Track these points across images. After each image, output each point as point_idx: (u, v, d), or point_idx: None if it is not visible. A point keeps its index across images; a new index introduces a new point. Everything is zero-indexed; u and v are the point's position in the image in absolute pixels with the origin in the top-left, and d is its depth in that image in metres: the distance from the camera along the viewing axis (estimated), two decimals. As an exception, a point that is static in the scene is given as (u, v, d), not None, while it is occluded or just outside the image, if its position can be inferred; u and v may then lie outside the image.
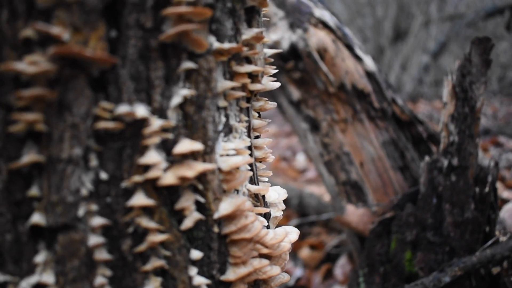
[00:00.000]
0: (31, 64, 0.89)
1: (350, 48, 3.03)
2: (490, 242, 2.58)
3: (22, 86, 0.93)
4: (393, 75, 9.87)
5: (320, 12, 3.04)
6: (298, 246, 4.30)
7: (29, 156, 0.94)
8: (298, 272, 4.16)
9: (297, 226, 4.55)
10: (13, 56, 0.92)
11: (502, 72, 9.31)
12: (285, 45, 2.97)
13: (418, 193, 2.80)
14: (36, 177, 0.97)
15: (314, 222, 4.64)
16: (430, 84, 9.75)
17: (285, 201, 4.30)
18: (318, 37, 2.94)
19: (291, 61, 3.02)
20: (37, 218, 0.97)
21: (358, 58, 3.03)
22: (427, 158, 2.72)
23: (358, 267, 2.91)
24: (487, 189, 2.62)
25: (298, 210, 4.80)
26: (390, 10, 10.63)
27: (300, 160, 6.62)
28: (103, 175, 0.99)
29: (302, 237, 4.65)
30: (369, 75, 3.01)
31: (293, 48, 2.96)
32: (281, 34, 3.00)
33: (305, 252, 4.37)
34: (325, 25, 2.99)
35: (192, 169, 1.02)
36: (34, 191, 0.97)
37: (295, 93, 3.10)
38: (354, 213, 2.94)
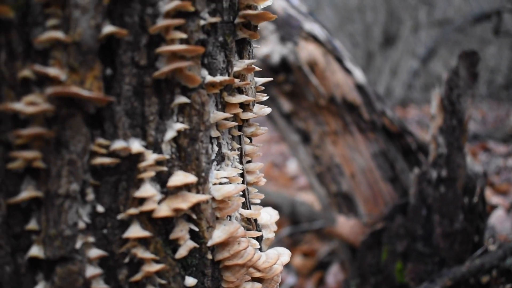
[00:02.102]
0: (29, 105, 0.92)
1: (340, 61, 3.07)
2: (479, 251, 2.62)
3: (21, 123, 0.96)
4: (383, 80, 9.95)
5: (310, 26, 3.08)
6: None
7: (28, 192, 0.97)
8: (291, 280, 4.19)
9: (289, 234, 4.59)
10: (12, 95, 0.95)
11: (490, 76, 9.40)
12: (275, 58, 3.01)
13: (408, 205, 2.85)
14: (35, 211, 1.00)
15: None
16: (420, 89, 9.83)
17: (277, 209, 4.33)
18: (308, 51, 2.98)
19: (282, 74, 3.05)
20: (35, 250, 1.00)
21: (348, 71, 3.07)
22: (416, 170, 2.76)
23: (350, 277, 2.95)
24: (475, 200, 2.67)
25: (290, 218, 4.83)
26: (379, 16, 10.71)
27: (292, 166, 6.65)
28: (100, 208, 1.02)
29: (294, 244, 4.68)
30: (359, 87, 3.06)
31: (283, 61, 3.00)
32: (271, 48, 3.04)
33: (297, 260, 4.40)
34: (315, 39, 3.03)
35: (186, 201, 1.05)
36: (32, 224, 0.99)
37: (286, 105, 3.13)
38: (345, 225, 2.97)
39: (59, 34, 0.92)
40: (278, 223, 4.83)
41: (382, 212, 2.99)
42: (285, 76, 3.05)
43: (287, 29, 3.05)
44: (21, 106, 0.92)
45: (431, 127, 2.80)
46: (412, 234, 2.74)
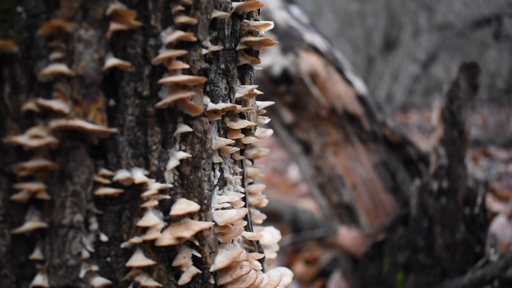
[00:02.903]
0: (33, 138, 0.93)
1: (341, 72, 3.08)
2: (480, 262, 2.63)
3: (25, 155, 0.97)
4: (384, 85, 9.96)
5: (311, 37, 3.09)
6: (292, 262, 4.33)
7: (32, 223, 0.98)
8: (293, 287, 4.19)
9: (292, 242, 4.59)
10: (16, 127, 0.96)
11: (490, 80, 9.41)
12: (277, 69, 3.02)
13: (409, 216, 2.85)
14: (39, 240, 1.01)
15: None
16: (420, 94, 9.83)
17: (279, 216, 4.31)
18: (309, 62, 2.99)
19: (283, 85, 3.06)
20: (40, 280, 1.01)
21: (348, 82, 3.08)
22: (417, 182, 2.77)
23: (352, 288, 2.95)
24: (476, 210, 2.68)
25: (292, 225, 4.83)
26: (380, 21, 10.72)
27: (293, 173, 6.65)
28: (103, 237, 1.03)
29: (296, 252, 4.68)
30: (360, 98, 3.06)
31: (285, 72, 3.01)
32: (273, 59, 3.05)
33: (299, 268, 4.40)
34: (316, 50, 3.04)
35: (189, 229, 1.06)
36: (37, 254, 1.00)
37: (287, 116, 3.14)
38: (347, 236, 2.98)
39: (62, 68, 0.93)
40: (280, 230, 4.82)
41: (383, 223, 3.00)
42: (286, 87, 3.06)
43: (288, 40, 3.06)
44: (25, 139, 0.93)
45: (432, 139, 2.81)
46: (413, 245, 2.75)
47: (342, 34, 10.57)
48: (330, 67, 3.08)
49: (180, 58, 1.05)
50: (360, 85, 3.12)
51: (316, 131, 3.12)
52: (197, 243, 1.13)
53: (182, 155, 1.07)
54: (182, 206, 1.07)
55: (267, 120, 1.35)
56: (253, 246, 1.37)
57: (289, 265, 4.38)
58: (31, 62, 0.95)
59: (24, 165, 0.94)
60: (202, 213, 1.13)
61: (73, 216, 0.98)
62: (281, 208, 4.84)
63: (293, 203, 5.32)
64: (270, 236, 1.51)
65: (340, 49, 3.33)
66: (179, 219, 1.09)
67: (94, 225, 1.02)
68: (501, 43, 9.00)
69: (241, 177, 1.27)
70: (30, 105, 0.94)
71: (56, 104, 0.93)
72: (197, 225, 1.08)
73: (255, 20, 1.26)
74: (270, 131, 1.38)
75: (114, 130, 0.97)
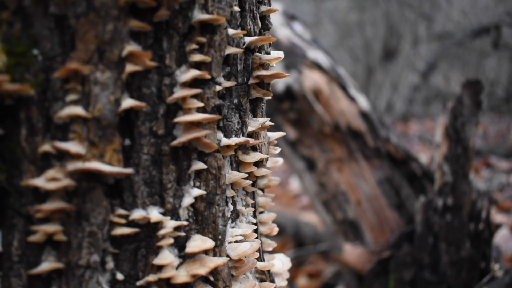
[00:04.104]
0: (50, 181, 0.93)
1: (344, 88, 3.09)
2: (486, 279, 2.63)
3: (41, 196, 0.97)
4: (384, 95, 9.98)
5: (314, 54, 3.10)
6: (295, 275, 4.32)
7: (49, 263, 0.98)
8: (296, 302, 4.18)
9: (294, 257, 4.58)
10: (32, 169, 0.96)
11: (490, 89, 9.44)
12: (280, 86, 3.03)
13: (414, 232, 2.85)
14: (55, 280, 1.01)
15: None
16: (421, 103, 9.86)
17: (281, 229, 4.29)
18: (312, 79, 3.00)
19: (287, 102, 3.07)
20: (55, 319, 1.00)
21: (352, 99, 3.09)
22: (422, 198, 2.77)
23: (357, 305, 2.95)
24: (481, 226, 2.68)
25: (294, 238, 4.82)
26: (379, 30, 10.76)
27: (294, 184, 6.64)
28: (119, 276, 1.03)
29: (298, 265, 4.67)
30: (363, 115, 3.07)
31: (288, 89, 3.02)
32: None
33: (302, 281, 4.39)
34: (319, 67, 3.05)
35: (204, 266, 1.06)
36: (52, 294, 1.00)
37: (291, 133, 3.15)
38: (352, 253, 2.98)
39: (79, 110, 0.93)
40: (283, 244, 4.82)
41: (388, 239, 3.00)
42: (290, 104, 3.07)
43: (291, 57, 3.07)
44: (42, 182, 0.93)
45: (436, 155, 2.81)
46: (419, 262, 2.75)
47: (342, 44, 10.61)
48: (333, 84, 3.09)
49: (195, 96, 1.05)
50: (363, 102, 3.13)
51: (320, 148, 3.12)
52: (211, 278, 1.13)
53: (197, 192, 1.07)
54: (197, 243, 1.07)
55: (278, 150, 1.36)
56: (265, 275, 1.37)
57: (292, 278, 4.37)
58: (47, 104, 0.95)
59: (41, 208, 0.94)
60: (216, 249, 1.13)
61: (90, 256, 0.98)
62: (283, 221, 4.83)
63: (296, 215, 5.31)
64: (280, 263, 1.51)
65: (339, 59, 3.35)
66: (193, 255, 1.09)
67: (110, 264, 1.02)
68: (500, 52, 9.03)
69: (253, 208, 1.28)
70: (46, 147, 0.95)
71: (73, 147, 0.93)
72: (212, 262, 1.08)
73: (267, 52, 1.26)
74: (281, 160, 1.39)
75: (130, 171, 0.97)
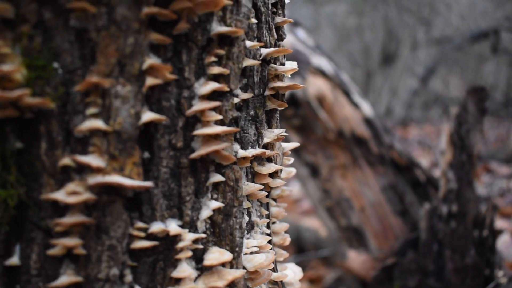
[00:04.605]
0: (71, 194, 0.93)
1: (348, 95, 3.09)
2: (490, 286, 2.63)
3: (60, 210, 0.96)
4: (383, 99, 10.00)
5: (318, 60, 3.10)
6: (297, 282, 4.30)
7: (67, 277, 0.97)
8: (298, 308, 4.16)
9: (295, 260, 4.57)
10: (52, 183, 0.96)
11: (489, 93, 9.45)
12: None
13: (419, 239, 2.85)
14: (73, 293, 1.00)
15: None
16: (420, 108, 9.87)
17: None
18: (316, 86, 3.00)
19: (291, 108, 3.07)
20: (73, 333, 1.00)
21: (355, 105, 3.09)
22: (427, 205, 2.77)
23: (361, 312, 2.95)
24: (485, 233, 2.68)
25: (295, 244, 4.82)
26: (378, 35, 10.78)
27: (295, 189, 6.64)
28: (137, 289, 1.02)
29: (300, 270, 4.65)
30: (367, 121, 3.07)
31: (292, 96, 3.02)
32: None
33: (303, 287, 4.38)
34: (322, 73, 3.05)
35: (222, 279, 1.06)
36: (71, 307, 1.00)
37: (295, 139, 3.15)
38: (356, 259, 2.98)
39: (99, 124, 0.93)
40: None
41: (392, 246, 3.00)
42: (293, 111, 3.07)
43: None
44: (62, 196, 0.93)
45: (441, 163, 2.81)
46: (423, 269, 2.75)
47: (340, 48, 10.64)
48: (337, 90, 3.09)
49: (213, 108, 1.05)
50: (367, 108, 3.13)
51: (324, 154, 3.12)
52: (228, 291, 1.13)
53: (215, 204, 1.07)
54: (215, 255, 1.07)
55: (291, 160, 1.36)
56: (277, 285, 1.37)
57: (293, 284, 4.34)
58: (67, 117, 0.95)
59: (61, 221, 0.94)
60: (233, 261, 1.12)
61: (109, 269, 0.98)
62: (284, 226, 4.81)
63: (296, 221, 5.31)
64: (292, 273, 1.50)
65: (338, 64, 3.35)
66: (211, 268, 1.09)
67: (128, 277, 1.01)
68: (499, 57, 9.06)
69: (268, 219, 1.27)
70: (66, 161, 0.94)
71: (93, 160, 0.93)
72: (230, 274, 1.07)
73: (281, 63, 1.26)
74: (294, 171, 1.39)
75: (150, 184, 0.97)
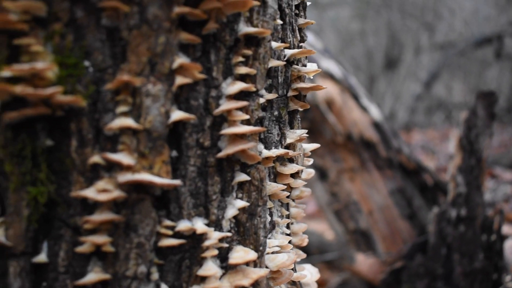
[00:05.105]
0: (101, 192, 0.93)
1: (356, 98, 3.10)
2: (499, 290, 2.63)
3: (89, 207, 0.97)
4: (387, 104, 10.02)
5: (326, 64, 3.11)
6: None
7: (95, 274, 0.98)
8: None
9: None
10: (81, 180, 0.96)
11: (498, 98, 9.45)
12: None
13: (427, 243, 2.86)
14: (99, 291, 1.01)
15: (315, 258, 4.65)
16: (423, 113, 9.89)
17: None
18: (325, 89, 3.01)
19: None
20: (100, 330, 1.00)
21: (364, 109, 3.10)
22: (435, 209, 2.78)
23: (369, 315, 2.95)
24: (493, 237, 2.69)
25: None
26: (381, 40, 10.81)
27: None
28: (164, 287, 1.03)
29: (304, 274, 4.64)
30: (376, 125, 3.08)
31: (301, 99, 3.02)
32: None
33: (308, 291, 4.37)
34: (331, 77, 3.06)
35: (247, 277, 1.06)
36: (97, 305, 1.00)
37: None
38: (364, 263, 2.98)
39: (130, 122, 0.94)
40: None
41: (400, 249, 3.00)
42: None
43: (304, 67, 3.08)
44: (93, 193, 0.93)
45: (450, 167, 2.82)
46: (432, 273, 2.75)
47: (343, 53, 10.66)
48: (346, 94, 3.10)
49: (239, 108, 1.06)
50: (375, 112, 3.14)
51: (332, 158, 3.13)
52: (251, 290, 1.13)
53: (241, 203, 1.07)
54: (240, 254, 1.07)
55: (311, 161, 1.37)
56: (296, 286, 1.37)
57: None
58: (97, 115, 0.96)
59: (90, 219, 0.94)
60: (257, 260, 1.13)
61: (137, 267, 0.98)
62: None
63: (301, 224, 5.29)
64: (309, 274, 1.51)
65: (346, 67, 3.35)
66: (235, 266, 1.09)
67: (155, 275, 1.02)
68: (502, 62, 9.08)
69: (289, 219, 1.28)
70: (96, 159, 0.95)
71: (124, 158, 0.93)
72: (255, 273, 1.08)
73: (303, 65, 1.27)
74: (313, 172, 1.39)
75: (179, 182, 0.97)
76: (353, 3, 10.75)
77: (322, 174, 3.16)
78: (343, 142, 3.05)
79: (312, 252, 4.69)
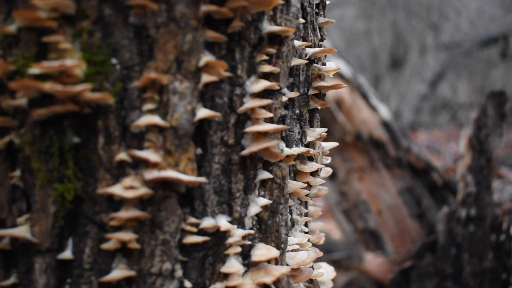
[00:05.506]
0: (128, 189, 0.94)
1: (365, 98, 3.11)
2: (508, 290, 2.63)
3: (115, 205, 0.98)
4: (392, 104, 10.00)
5: (336, 63, 3.11)
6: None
7: (120, 271, 0.98)
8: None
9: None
10: (107, 177, 0.97)
11: (508, 98, 9.43)
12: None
13: (436, 242, 2.86)
14: (124, 287, 1.01)
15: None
16: (428, 113, 9.87)
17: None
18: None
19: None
20: (124, 327, 1.01)
21: (373, 108, 3.10)
22: (445, 209, 2.78)
23: (378, 315, 2.95)
24: (503, 237, 2.69)
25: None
26: (386, 39, 10.80)
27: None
28: (187, 284, 1.03)
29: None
30: (385, 124, 3.09)
31: (310, 98, 3.03)
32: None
33: (314, 290, 4.38)
34: (340, 76, 3.06)
35: (269, 275, 1.07)
36: (122, 301, 1.01)
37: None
38: (373, 262, 2.98)
39: (157, 119, 0.95)
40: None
41: (409, 249, 3.01)
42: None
43: (314, 66, 3.08)
44: (120, 190, 0.94)
45: (460, 166, 2.82)
46: (441, 272, 2.75)
47: (348, 52, 10.65)
48: (355, 93, 3.10)
49: (263, 106, 1.06)
50: (384, 111, 3.14)
51: (341, 157, 3.13)
52: (272, 287, 1.14)
53: (264, 201, 1.08)
54: (263, 251, 1.08)
55: (329, 160, 1.37)
56: (313, 284, 1.38)
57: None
58: (123, 113, 0.96)
59: (117, 216, 0.95)
60: (278, 257, 1.13)
61: (162, 264, 0.99)
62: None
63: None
64: (325, 272, 1.51)
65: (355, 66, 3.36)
66: (257, 264, 1.10)
67: (178, 272, 1.03)
68: (508, 62, 9.07)
69: (308, 217, 1.29)
70: (122, 156, 0.96)
71: (151, 156, 0.94)
72: (277, 270, 1.08)
73: (323, 63, 1.28)
74: (331, 170, 1.40)
75: (204, 180, 0.98)
76: (358, 3, 10.75)
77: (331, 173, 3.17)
78: (352, 142, 3.05)
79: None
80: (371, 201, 3.10)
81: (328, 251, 4.58)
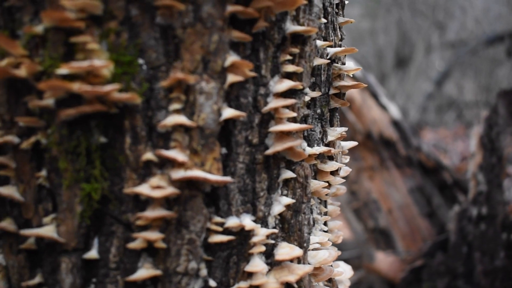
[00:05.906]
0: (155, 189, 0.94)
1: (375, 97, 3.11)
2: (519, 289, 2.63)
3: (141, 204, 0.98)
4: (397, 103, 9.98)
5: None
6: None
7: (146, 270, 0.99)
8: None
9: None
10: (134, 177, 0.97)
11: None
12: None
13: (447, 241, 2.86)
14: (149, 286, 1.02)
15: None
16: (434, 112, 9.85)
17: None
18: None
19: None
20: (149, 325, 1.02)
21: (383, 107, 3.10)
22: (456, 208, 2.78)
23: (389, 314, 2.96)
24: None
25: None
26: (391, 38, 10.80)
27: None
28: (212, 283, 1.04)
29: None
30: (395, 123, 3.09)
31: (320, 98, 3.03)
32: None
33: (322, 289, 4.38)
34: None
35: (293, 274, 1.07)
36: (147, 300, 1.01)
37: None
38: (384, 261, 2.99)
39: (183, 119, 0.95)
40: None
41: (420, 248, 3.01)
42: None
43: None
44: (147, 190, 0.94)
45: (471, 165, 2.82)
46: (453, 271, 2.75)
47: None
48: (365, 92, 3.10)
49: (287, 106, 1.07)
50: (394, 110, 3.14)
51: (351, 156, 3.13)
52: (295, 285, 1.14)
53: (287, 200, 1.08)
54: (286, 250, 1.08)
55: (347, 159, 1.38)
56: (332, 283, 1.38)
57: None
58: (150, 113, 0.97)
59: (143, 215, 0.95)
60: (301, 256, 1.14)
61: (188, 263, 1.00)
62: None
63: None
64: (342, 270, 1.52)
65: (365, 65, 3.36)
66: (280, 262, 1.10)
67: (203, 271, 1.03)
68: (513, 61, 9.05)
69: (328, 216, 1.29)
70: (149, 156, 0.96)
71: (178, 155, 0.95)
72: (300, 269, 1.09)
73: (343, 63, 1.28)
74: (350, 169, 1.40)
75: (230, 179, 0.98)
76: (364, 2, 10.74)
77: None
78: (363, 141, 3.05)
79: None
80: (382, 200, 3.10)
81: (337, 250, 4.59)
